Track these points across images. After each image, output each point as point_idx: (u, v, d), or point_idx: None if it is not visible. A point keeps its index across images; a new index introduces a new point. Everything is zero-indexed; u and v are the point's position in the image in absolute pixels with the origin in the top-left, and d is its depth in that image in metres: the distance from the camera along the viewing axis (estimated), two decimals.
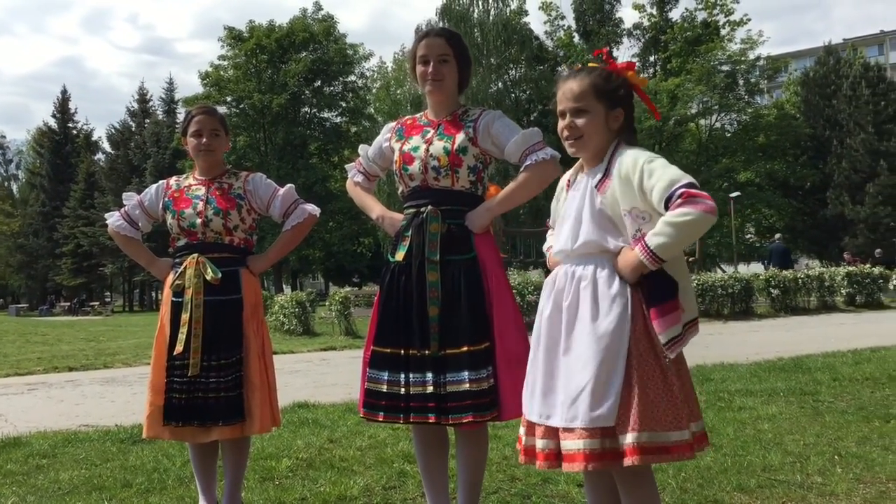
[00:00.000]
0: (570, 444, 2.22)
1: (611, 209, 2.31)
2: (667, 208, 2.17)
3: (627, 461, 2.14)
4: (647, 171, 2.22)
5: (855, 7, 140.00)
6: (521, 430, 2.45)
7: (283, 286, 46.79)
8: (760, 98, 45.80)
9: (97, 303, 52.34)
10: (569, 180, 2.53)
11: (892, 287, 19.19)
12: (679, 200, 2.14)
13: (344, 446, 4.67)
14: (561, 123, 2.41)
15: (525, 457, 2.39)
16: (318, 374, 9.16)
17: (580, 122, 2.37)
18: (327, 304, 16.43)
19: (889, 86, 40.93)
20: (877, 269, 19.04)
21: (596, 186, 2.35)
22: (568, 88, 2.40)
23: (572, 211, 2.41)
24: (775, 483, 3.64)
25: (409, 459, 4.19)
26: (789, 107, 45.32)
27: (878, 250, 26.28)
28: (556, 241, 2.48)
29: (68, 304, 52.75)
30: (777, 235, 24.11)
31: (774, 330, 13.50)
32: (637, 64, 2.63)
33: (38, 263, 59.73)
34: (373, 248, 49.21)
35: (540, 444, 2.31)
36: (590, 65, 2.45)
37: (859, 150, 38.85)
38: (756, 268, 38.02)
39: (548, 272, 2.58)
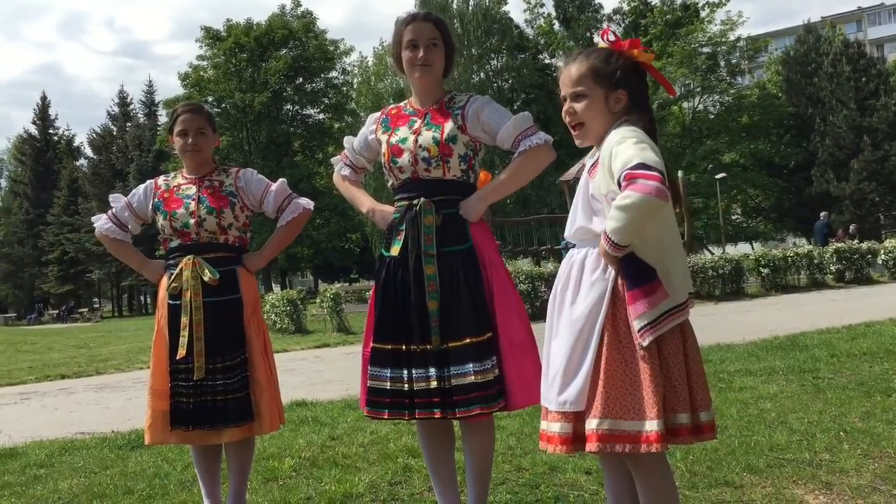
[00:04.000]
0: (547, 425, 2.29)
1: (598, 193, 2.28)
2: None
3: (589, 446, 2.17)
4: (614, 153, 2.17)
5: None
6: None
7: (273, 285, 46.65)
8: (742, 79, 45.89)
9: (86, 309, 52.05)
10: (584, 164, 2.49)
11: (880, 262, 19.25)
12: (624, 183, 2.09)
13: (346, 443, 4.62)
14: (563, 109, 2.39)
15: (541, 441, 2.38)
16: (313, 372, 9.10)
17: (578, 106, 2.33)
18: (318, 301, 16.35)
19: (869, 62, 41.06)
20: (865, 245, 19.12)
21: (588, 171, 2.33)
22: (567, 73, 2.37)
23: (577, 196, 2.39)
24: (784, 462, 3.62)
25: (414, 454, 4.14)
26: (771, 86, 45.41)
27: (852, 226, 26.25)
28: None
29: (56, 311, 52.46)
30: (822, 214, 24.39)
31: (766, 309, 13.52)
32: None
33: (24, 272, 59.31)
34: (361, 244, 49.08)
35: (542, 425, 2.35)
36: (599, 46, 2.41)
37: (842, 127, 38.98)
38: (744, 248, 38.23)
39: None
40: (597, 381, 2.18)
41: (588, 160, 2.41)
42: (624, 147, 2.15)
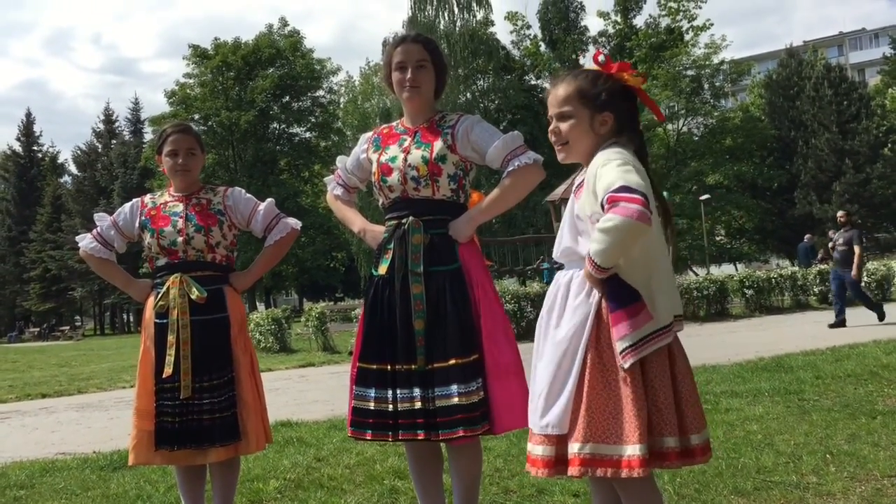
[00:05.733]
0: (531, 448, 2.28)
1: (582, 214, 2.28)
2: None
3: (572, 470, 2.18)
4: (599, 175, 2.18)
5: (813, 9, 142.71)
6: None
7: (257, 304, 46.40)
8: (726, 101, 46.32)
9: (67, 327, 51.50)
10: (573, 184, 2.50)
11: (863, 284, 19.37)
12: (607, 206, 2.09)
13: (332, 465, 4.58)
14: (549, 128, 2.41)
15: (527, 463, 2.36)
16: (297, 392, 9.02)
17: (563, 126, 2.36)
18: (303, 320, 16.27)
19: (850, 86, 41.58)
20: None
21: (574, 191, 2.35)
22: (554, 93, 2.39)
23: (564, 217, 2.40)
24: (771, 485, 3.61)
25: (400, 476, 4.11)
26: (754, 109, 45.90)
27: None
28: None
29: (38, 329, 51.84)
30: (807, 236, 24.34)
31: (751, 330, 13.57)
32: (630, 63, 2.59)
33: (6, 289, 58.71)
34: (346, 263, 48.96)
35: (528, 448, 2.33)
36: (591, 66, 2.43)
37: (824, 150, 39.39)
38: (728, 269, 38.42)
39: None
40: (579, 405, 2.18)
41: (576, 180, 2.42)
42: (608, 169, 2.16)
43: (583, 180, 2.31)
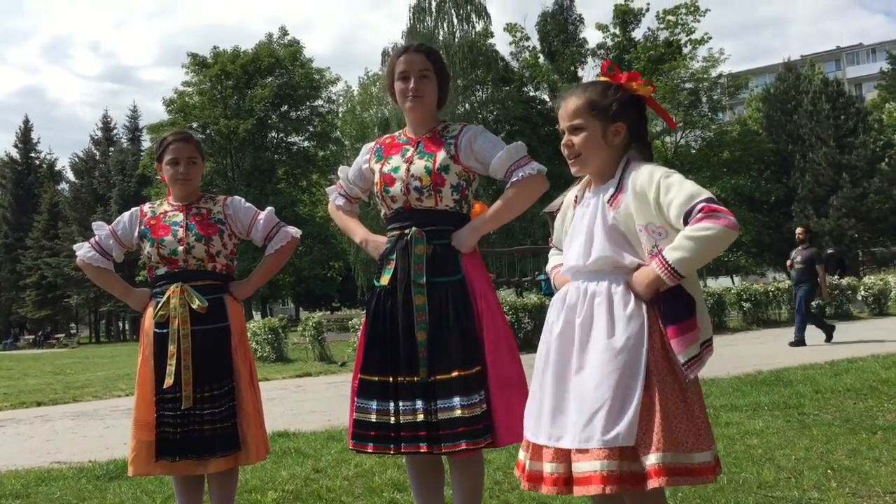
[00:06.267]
0: (585, 465, 2.11)
1: (624, 225, 2.26)
2: (685, 223, 2.12)
3: (652, 483, 2.06)
4: (664, 186, 2.18)
5: (811, 24, 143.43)
6: (522, 455, 2.36)
7: (253, 313, 46.29)
8: (723, 115, 46.44)
9: (62, 335, 51.37)
10: (576, 197, 2.46)
11: (860, 298, 19.40)
12: (700, 215, 2.09)
13: (330, 476, 4.54)
14: (562, 142, 2.39)
15: (529, 482, 2.29)
16: (294, 402, 8.99)
17: (576, 139, 2.34)
18: (300, 329, 16.23)
19: (848, 100, 41.70)
20: (846, 281, 19.26)
21: (608, 202, 2.30)
22: (565, 107, 2.37)
23: (583, 227, 2.34)
24: (773, 500, 3.59)
25: (399, 488, 4.08)
26: (752, 123, 46.01)
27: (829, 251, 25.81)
28: (567, 257, 2.41)
29: (33, 336, 51.72)
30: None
31: (749, 343, 13.56)
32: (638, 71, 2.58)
33: (1, 296, 58.55)
34: (343, 273, 48.89)
35: (549, 468, 2.20)
36: (601, 78, 2.41)
37: (822, 164, 39.47)
38: (724, 281, 38.45)
39: (549, 293, 2.53)
40: (652, 415, 2.11)
41: (595, 192, 2.37)
42: (677, 180, 2.17)
43: (615, 191, 2.28)
